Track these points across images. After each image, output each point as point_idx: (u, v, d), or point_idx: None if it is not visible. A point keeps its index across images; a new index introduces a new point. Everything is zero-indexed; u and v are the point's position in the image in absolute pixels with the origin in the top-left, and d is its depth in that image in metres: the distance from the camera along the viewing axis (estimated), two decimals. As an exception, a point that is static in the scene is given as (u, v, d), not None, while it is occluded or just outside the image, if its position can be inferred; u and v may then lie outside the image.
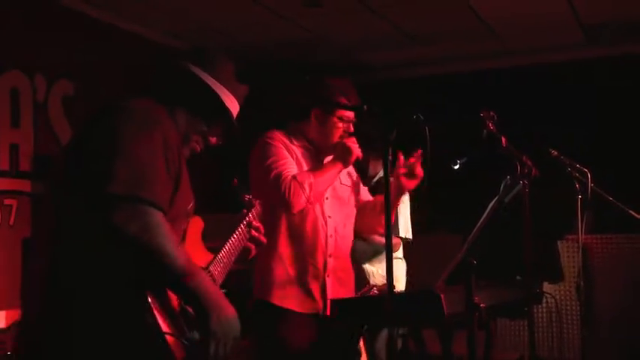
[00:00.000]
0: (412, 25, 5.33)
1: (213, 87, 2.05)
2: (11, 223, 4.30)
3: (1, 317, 4.06)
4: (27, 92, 4.46)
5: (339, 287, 3.07)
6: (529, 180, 3.08)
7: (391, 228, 2.35)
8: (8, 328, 3.88)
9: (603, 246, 4.63)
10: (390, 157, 2.38)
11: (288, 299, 2.97)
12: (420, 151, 2.99)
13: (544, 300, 3.60)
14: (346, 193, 3.18)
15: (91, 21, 4.86)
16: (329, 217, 3.06)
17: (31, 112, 4.48)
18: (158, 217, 1.77)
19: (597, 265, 4.58)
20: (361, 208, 3.23)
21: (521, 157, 3.07)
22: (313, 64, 5.95)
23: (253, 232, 2.41)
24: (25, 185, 4.41)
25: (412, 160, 3.02)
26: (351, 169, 3.21)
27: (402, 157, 3.07)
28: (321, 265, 3.02)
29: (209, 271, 2.19)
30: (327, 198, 3.07)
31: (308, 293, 2.99)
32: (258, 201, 2.52)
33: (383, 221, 3.18)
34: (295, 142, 3.08)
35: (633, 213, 3.86)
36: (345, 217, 3.15)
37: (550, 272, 4.48)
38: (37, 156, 4.49)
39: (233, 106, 2.12)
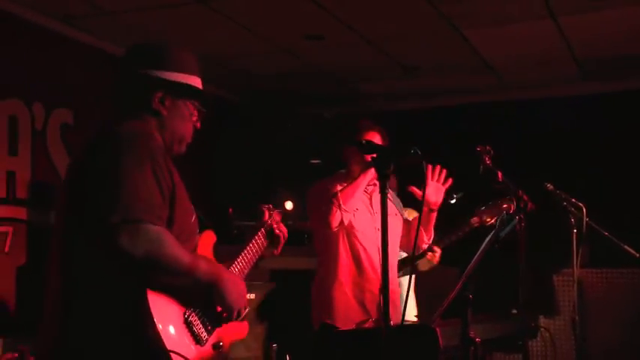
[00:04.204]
0: (409, 57, 5.41)
1: (178, 80, 2.14)
2: (6, 250, 4.29)
3: (-6, 345, 4.02)
4: (25, 120, 4.49)
5: (393, 309, 3.24)
6: (525, 214, 3.11)
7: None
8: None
9: (598, 280, 4.64)
10: (387, 191, 2.44)
11: (351, 322, 3.31)
12: (440, 168, 3.33)
13: (539, 334, 3.61)
14: (394, 223, 3.47)
15: (91, 50, 4.91)
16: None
17: (29, 140, 4.50)
18: (158, 230, 1.87)
19: (592, 299, 4.59)
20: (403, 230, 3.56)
21: (517, 191, 3.11)
22: (312, 94, 6.03)
23: (277, 232, 2.58)
24: (21, 213, 4.41)
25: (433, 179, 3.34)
26: (398, 204, 3.58)
27: (413, 188, 3.37)
28: (377, 291, 3.34)
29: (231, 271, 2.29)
30: (378, 229, 3.31)
31: (367, 315, 3.34)
32: (276, 210, 2.67)
33: (419, 239, 3.49)
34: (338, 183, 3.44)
35: (628, 248, 3.89)
36: (393, 245, 3.44)
37: (545, 306, 4.50)
38: (35, 183, 4.50)
39: (197, 82, 2.20)
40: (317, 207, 3.39)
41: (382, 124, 3.46)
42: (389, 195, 3.53)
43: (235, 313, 2.13)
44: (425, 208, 3.39)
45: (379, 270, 3.32)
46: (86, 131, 4.71)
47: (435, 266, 4.27)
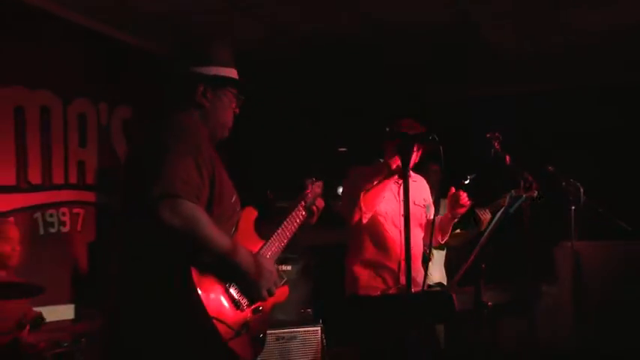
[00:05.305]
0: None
1: (217, 74, 2.12)
2: (79, 229, 4.33)
3: (70, 309, 4.08)
4: (92, 117, 4.51)
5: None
6: (531, 194, 3.04)
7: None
8: (77, 320, 3.89)
9: (594, 251, 4.54)
10: (409, 175, 2.39)
11: (372, 290, 3.28)
12: (461, 191, 3.29)
13: (542, 299, 3.55)
14: (418, 212, 3.42)
15: (147, 56, 4.91)
16: (403, 230, 3.22)
17: (96, 134, 4.53)
18: (194, 206, 1.86)
19: (588, 268, 4.50)
20: (426, 224, 3.48)
21: (523, 173, 3.04)
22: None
23: (314, 208, 2.52)
24: (90, 196, 4.45)
25: (458, 194, 3.29)
26: (427, 194, 3.51)
27: (452, 189, 3.32)
28: (396, 268, 3.30)
29: (261, 254, 2.22)
30: (402, 215, 3.26)
31: (386, 286, 3.31)
32: (317, 183, 2.60)
33: (434, 237, 3.46)
34: (375, 172, 3.34)
35: (621, 223, 3.80)
36: (417, 229, 3.39)
37: (547, 275, 4.42)
38: (101, 170, 4.53)
39: (233, 73, 2.18)
40: (346, 197, 3.32)
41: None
42: (415, 184, 3.45)
43: (266, 294, 2.06)
44: (449, 214, 3.34)
45: (399, 250, 3.28)
46: (144, 124, 4.72)
47: (465, 241, 4.20)
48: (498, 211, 3.72)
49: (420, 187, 3.49)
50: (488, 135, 3.05)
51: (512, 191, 2.91)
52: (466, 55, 5.15)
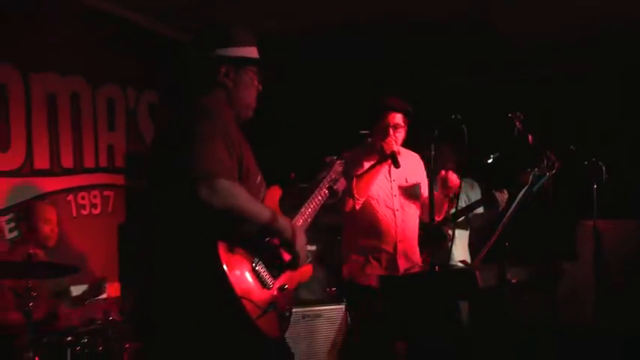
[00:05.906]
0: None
1: (237, 54, 2.14)
2: (109, 210, 4.41)
3: (102, 288, 4.14)
4: (121, 101, 4.57)
5: (405, 263, 3.28)
6: (553, 172, 3.02)
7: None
8: (108, 298, 3.97)
9: (616, 230, 4.51)
10: (432, 153, 2.39)
11: (370, 277, 3.21)
12: (450, 172, 3.24)
13: (564, 276, 3.54)
14: (411, 190, 3.35)
15: (172, 43, 4.93)
16: (397, 210, 3.29)
17: (124, 118, 4.59)
18: (230, 183, 1.89)
19: (609, 246, 4.47)
20: (422, 202, 3.41)
21: (546, 152, 3.02)
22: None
23: (336, 188, 2.52)
24: (120, 179, 4.52)
25: (447, 176, 3.24)
26: (422, 171, 3.42)
27: (442, 171, 3.28)
28: (392, 250, 3.26)
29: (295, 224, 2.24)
30: (395, 195, 3.30)
31: (384, 270, 3.23)
32: (339, 161, 2.59)
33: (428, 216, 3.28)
34: (365, 154, 3.29)
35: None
36: (411, 208, 3.34)
37: (568, 252, 4.40)
38: (129, 154, 4.59)
39: (254, 52, 2.20)
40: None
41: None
42: (408, 161, 3.36)
43: (301, 261, 2.11)
44: (441, 195, 3.27)
45: (394, 232, 3.25)
46: (169, 108, 4.75)
47: (488, 223, 4.17)
48: (519, 190, 3.70)
49: (413, 164, 3.40)
50: (510, 114, 3.02)
51: (536, 169, 2.90)
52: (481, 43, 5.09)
